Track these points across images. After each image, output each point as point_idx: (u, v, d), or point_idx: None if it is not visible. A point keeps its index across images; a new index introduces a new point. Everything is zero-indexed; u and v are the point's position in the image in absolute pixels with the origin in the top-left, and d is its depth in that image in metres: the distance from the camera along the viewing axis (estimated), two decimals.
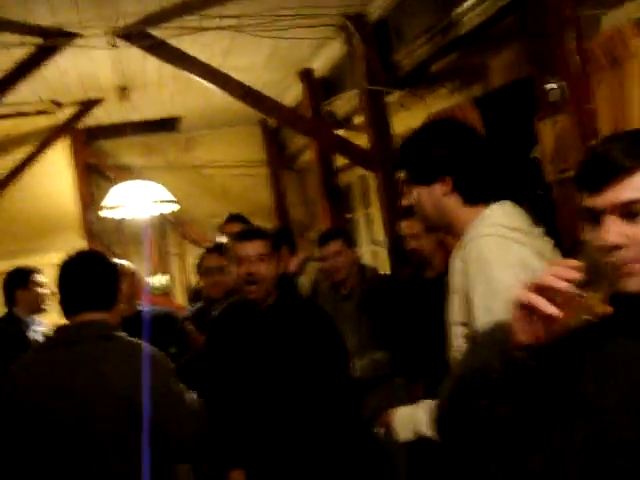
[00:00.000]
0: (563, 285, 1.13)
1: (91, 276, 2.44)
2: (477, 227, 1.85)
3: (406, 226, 3.86)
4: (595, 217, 1.25)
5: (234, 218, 4.55)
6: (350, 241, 3.94)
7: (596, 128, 2.71)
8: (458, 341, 1.87)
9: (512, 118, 4.00)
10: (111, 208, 5.33)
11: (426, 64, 4.35)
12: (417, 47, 4.25)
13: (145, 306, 4.08)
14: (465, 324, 1.81)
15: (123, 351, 2.33)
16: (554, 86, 2.69)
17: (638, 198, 1.22)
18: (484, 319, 1.67)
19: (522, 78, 3.88)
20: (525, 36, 3.02)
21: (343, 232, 4.16)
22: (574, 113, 2.67)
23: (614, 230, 1.22)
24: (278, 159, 7.97)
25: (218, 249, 4.19)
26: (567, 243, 2.65)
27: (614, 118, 2.93)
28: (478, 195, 1.91)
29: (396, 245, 4.61)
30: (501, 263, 1.73)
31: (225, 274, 3.63)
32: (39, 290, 4.23)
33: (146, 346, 2.38)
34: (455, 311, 1.88)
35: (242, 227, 4.31)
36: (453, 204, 1.92)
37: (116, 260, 4.17)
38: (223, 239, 4.32)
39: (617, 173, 1.22)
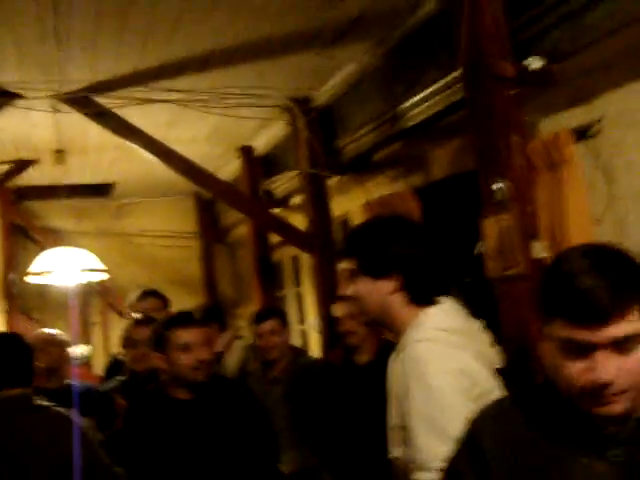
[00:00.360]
0: None
1: (7, 357, 2.69)
2: (417, 330, 1.84)
3: (339, 308, 3.86)
4: (583, 349, 1.26)
5: (148, 294, 4.41)
6: (285, 321, 3.91)
7: (537, 228, 2.78)
8: (397, 449, 1.83)
9: (452, 210, 4.10)
10: (38, 274, 5.15)
11: (369, 152, 4.43)
12: (361, 135, 4.33)
13: (71, 379, 3.93)
14: (403, 427, 1.77)
15: (53, 421, 2.43)
16: (500, 185, 2.75)
17: (632, 333, 1.24)
18: (422, 427, 1.69)
19: (463, 172, 4.01)
20: (469, 132, 3.11)
21: (279, 311, 4.14)
22: (517, 213, 2.74)
23: (610, 365, 1.24)
24: (210, 232, 7.93)
25: (148, 321, 4.10)
26: (508, 338, 2.69)
27: (550, 220, 3.03)
28: (423, 296, 1.91)
29: (328, 327, 4.59)
30: (439, 370, 1.73)
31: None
32: None
33: (75, 417, 2.61)
34: (393, 415, 1.85)
35: (156, 303, 4.24)
36: (397, 302, 1.91)
37: (48, 330, 4.06)
38: (136, 315, 4.24)
39: (612, 312, 1.23)
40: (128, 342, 3.93)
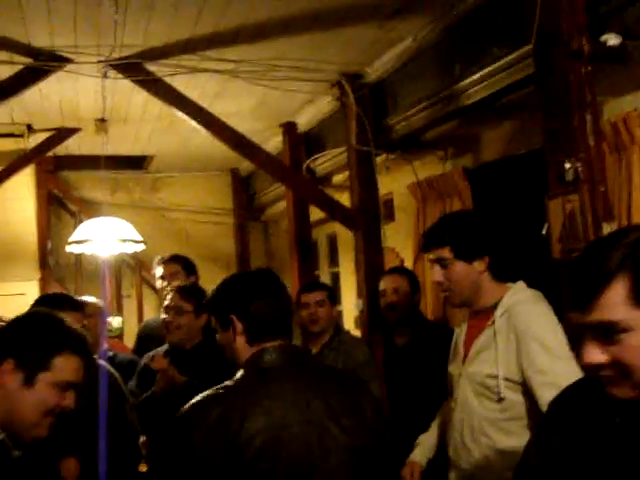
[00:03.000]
0: None
1: None
2: (515, 296, 2.30)
3: (388, 280, 3.83)
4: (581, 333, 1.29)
5: (170, 259, 4.31)
6: (334, 297, 3.85)
7: (608, 209, 2.70)
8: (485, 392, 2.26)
9: (503, 193, 4.02)
10: (78, 242, 5.12)
11: (420, 131, 4.35)
12: (413, 113, 4.24)
13: (107, 350, 3.92)
14: (507, 379, 2.19)
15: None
16: (570, 165, 2.67)
17: (607, 320, 1.22)
18: (546, 356, 2.13)
19: (516, 154, 3.93)
20: (536, 110, 3.02)
21: (327, 286, 4.07)
22: (588, 193, 2.66)
23: (594, 349, 1.25)
24: (245, 209, 7.88)
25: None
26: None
27: (618, 202, 2.95)
28: (505, 274, 2.36)
29: (370, 307, 4.54)
30: (549, 321, 2.20)
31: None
32: None
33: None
34: (488, 366, 2.25)
35: (177, 267, 4.18)
36: (486, 280, 2.34)
37: (85, 298, 4.03)
38: (159, 281, 4.19)
39: (593, 294, 1.23)
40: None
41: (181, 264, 4.23)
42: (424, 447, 2.68)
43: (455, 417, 2.39)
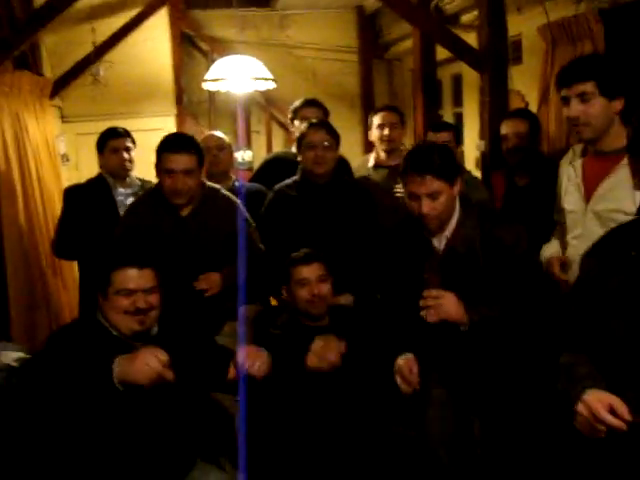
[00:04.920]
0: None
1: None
2: None
3: (510, 124, 3.92)
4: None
5: (311, 103, 4.43)
6: (459, 138, 3.99)
7: None
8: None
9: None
10: (213, 80, 5.38)
11: None
12: None
13: (238, 180, 4.25)
14: None
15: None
16: None
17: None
18: None
19: None
20: None
21: (455, 126, 4.21)
22: None
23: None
24: (370, 47, 7.87)
25: (322, 125, 4.27)
26: None
27: None
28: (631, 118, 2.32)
29: (493, 148, 4.64)
30: None
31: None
32: (114, 156, 4.21)
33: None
34: (624, 203, 2.40)
35: (318, 112, 4.34)
36: (617, 122, 2.46)
37: (215, 132, 4.35)
38: (297, 123, 4.33)
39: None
40: (303, 144, 3.99)
41: (322, 109, 4.42)
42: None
43: (579, 252, 2.48)
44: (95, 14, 6.05)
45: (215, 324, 3.27)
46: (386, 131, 4.20)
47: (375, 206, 3.79)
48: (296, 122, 4.36)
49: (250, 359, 2.60)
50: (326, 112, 4.43)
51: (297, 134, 3.81)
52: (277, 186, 3.78)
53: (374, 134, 4.29)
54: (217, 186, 3.57)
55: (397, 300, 2.72)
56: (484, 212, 2.78)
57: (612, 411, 1.65)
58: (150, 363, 2.18)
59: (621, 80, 2.40)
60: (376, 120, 4.28)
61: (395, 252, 2.75)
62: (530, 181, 3.92)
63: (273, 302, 3.83)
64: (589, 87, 2.43)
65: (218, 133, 4.36)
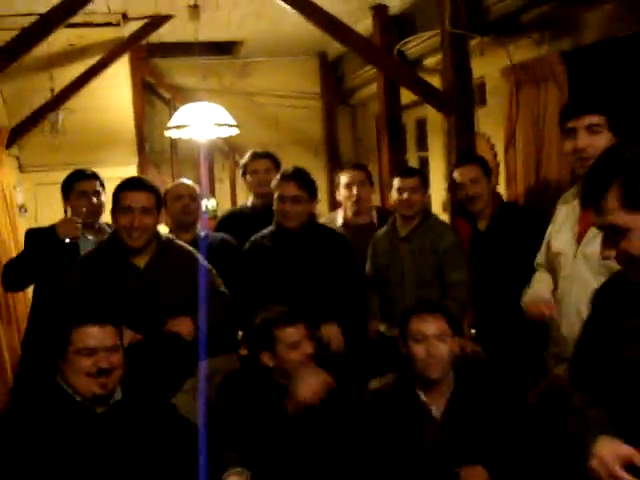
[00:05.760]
0: None
1: None
2: None
3: (464, 172, 3.87)
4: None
5: (260, 155, 4.41)
6: (426, 184, 3.94)
7: None
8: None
9: (602, 77, 3.93)
10: (176, 127, 5.30)
11: (518, 12, 4.25)
12: None
13: (203, 231, 4.12)
14: None
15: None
16: None
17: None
18: None
19: (617, 36, 3.81)
20: None
21: (422, 172, 4.17)
22: None
23: (604, 246, 1.62)
24: (333, 93, 7.89)
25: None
26: None
27: None
28: None
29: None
30: None
31: None
32: (82, 200, 3.90)
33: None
34: None
35: (268, 164, 4.29)
36: None
37: (185, 180, 4.23)
38: (248, 178, 4.33)
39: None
40: (275, 196, 3.89)
41: (272, 161, 4.36)
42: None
43: (569, 294, 2.50)
44: (54, 61, 5.94)
45: (174, 382, 3.11)
46: (354, 190, 4.15)
47: (351, 252, 3.72)
48: (247, 177, 4.32)
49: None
50: (277, 162, 4.37)
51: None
52: (253, 237, 3.72)
53: (342, 193, 4.23)
54: (171, 236, 3.46)
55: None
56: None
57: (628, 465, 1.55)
58: None
59: (629, 119, 2.40)
60: (343, 179, 4.22)
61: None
62: (490, 224, 3.88)
63: (243, 352, 3.72)
64: (599, 120, 2.44)
65: (188, 181, 4.23)
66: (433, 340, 2.61)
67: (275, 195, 3.61)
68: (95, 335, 2.35)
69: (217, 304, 3.24)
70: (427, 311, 2.70)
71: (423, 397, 2.65)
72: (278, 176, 3.71)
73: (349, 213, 4.23)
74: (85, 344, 2.33)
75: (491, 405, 2.60)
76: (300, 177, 3.59)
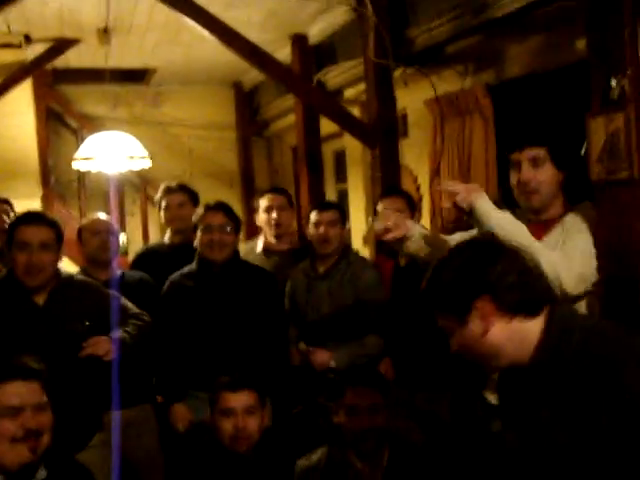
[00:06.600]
0: None
1: None
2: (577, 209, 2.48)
3: (389, 204, 3.73)
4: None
5: (173, 189, 4.13)
6: (345, 218, 3.76)
7: None
8: None
9: (526, 110, 3.89)
10: (84, 159, 4.99)
11: (442, 44, 4.18)
12: (435, 26, 4.08)
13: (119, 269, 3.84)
14: None
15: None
16: (617, 82, 2.55)
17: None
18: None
19: (542, 71, 3.80)
20: (561, 27, 2.90)
21: (341, 206, 3.98)
22: (634, 112, 2.55)
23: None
24: (249, 124, 7.71)
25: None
26: (608, 243, 2.57)
27: None
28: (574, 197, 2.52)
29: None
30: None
31: None
32: None
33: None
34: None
35: (182, 198, 4.07)
36: (560, 193, 2.51)
37: (101, 215, 3.92)
38: (161, 213, 4.11)
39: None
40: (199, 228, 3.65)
41: (187, 194, 4.12)
42: None
43: None
44: None
45: (82, 437, 2.82)
46: (274, 214, 3.93)
47: (277, 288, 3.52)
48: (161, 213, 4.10)
49: None
50: (193, 195, 4.14)
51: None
52: (172, 276, 3.46)
53: (261, 218, 4.01)
54: (71, 272, 3.22)
55: None
56: None
57: None
58: None
59: (570, 151, 2.47)
60: (263, 203, 4.00)
61: None
62: (410, 260, 3.74)
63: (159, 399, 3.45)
64: (539, 152, 2.41)
65: (104, 216, 3.91)
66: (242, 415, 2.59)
67: (200, 227, 3.36)
68: (19, 392, 1.99)
69: (135, 324, 3.05)
70: (237, 386, 2.65)
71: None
72: (200, 209, 3.48)
73: (270, 238, 4.01)
74: (8, 403, 1.96)
75: None
76: (226, 208, 3.41)
